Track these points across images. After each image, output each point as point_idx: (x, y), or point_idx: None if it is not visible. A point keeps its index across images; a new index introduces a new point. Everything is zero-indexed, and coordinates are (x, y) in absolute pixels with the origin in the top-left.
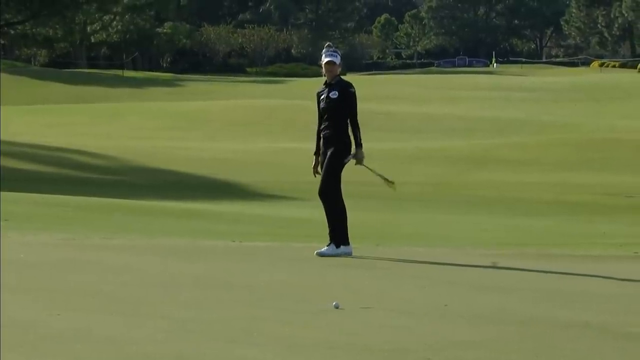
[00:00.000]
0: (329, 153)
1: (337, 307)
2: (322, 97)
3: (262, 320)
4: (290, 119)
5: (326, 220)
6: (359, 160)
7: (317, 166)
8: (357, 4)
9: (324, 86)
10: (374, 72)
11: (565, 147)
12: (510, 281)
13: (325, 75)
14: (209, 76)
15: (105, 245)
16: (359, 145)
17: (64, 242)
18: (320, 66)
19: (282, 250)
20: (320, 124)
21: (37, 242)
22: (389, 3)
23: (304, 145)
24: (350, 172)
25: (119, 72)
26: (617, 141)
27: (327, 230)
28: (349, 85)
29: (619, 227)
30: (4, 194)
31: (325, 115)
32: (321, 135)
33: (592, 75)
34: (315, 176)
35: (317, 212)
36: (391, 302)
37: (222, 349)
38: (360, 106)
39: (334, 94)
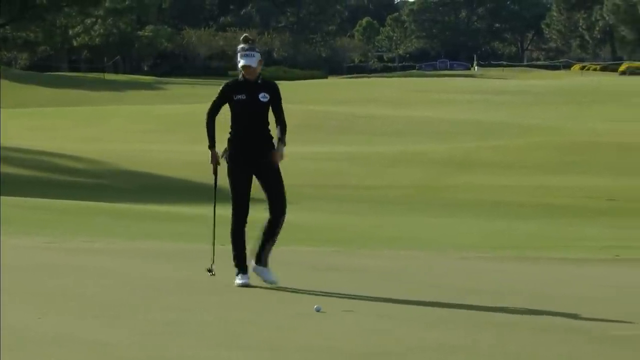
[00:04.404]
0: (273, 166)
1: (318, 310)
2: (241, 97)
3: (244, 324)
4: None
5: (261, 241)
6: (279, 157)
7: (218, 160)
8: (339, 7)
9: (241, 84)
10: (355, 75)
11: (547, 150)
12: (492, 285)
13: (243, 77)
14: (190, 79)
15: (87, 249)
16: (283, 142)
17: (45, 246)
18: (237, 68)
19: None
20: (211, 117)
21: (18, 245)
22: (370, 6)
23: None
24: (331, 175)
25: (100, 75)
26: (598, 144)
27: (257, 248)
28: (275, 85)
29: (600, 230)
30: None
31: (250, 118)
32: (240, 136)
33: (573, 79)
34: (216, 170)
35: (302, 216)
36: (372, 305)
37: (204, 352)
38: (342, 109)
39: (264, 97)
